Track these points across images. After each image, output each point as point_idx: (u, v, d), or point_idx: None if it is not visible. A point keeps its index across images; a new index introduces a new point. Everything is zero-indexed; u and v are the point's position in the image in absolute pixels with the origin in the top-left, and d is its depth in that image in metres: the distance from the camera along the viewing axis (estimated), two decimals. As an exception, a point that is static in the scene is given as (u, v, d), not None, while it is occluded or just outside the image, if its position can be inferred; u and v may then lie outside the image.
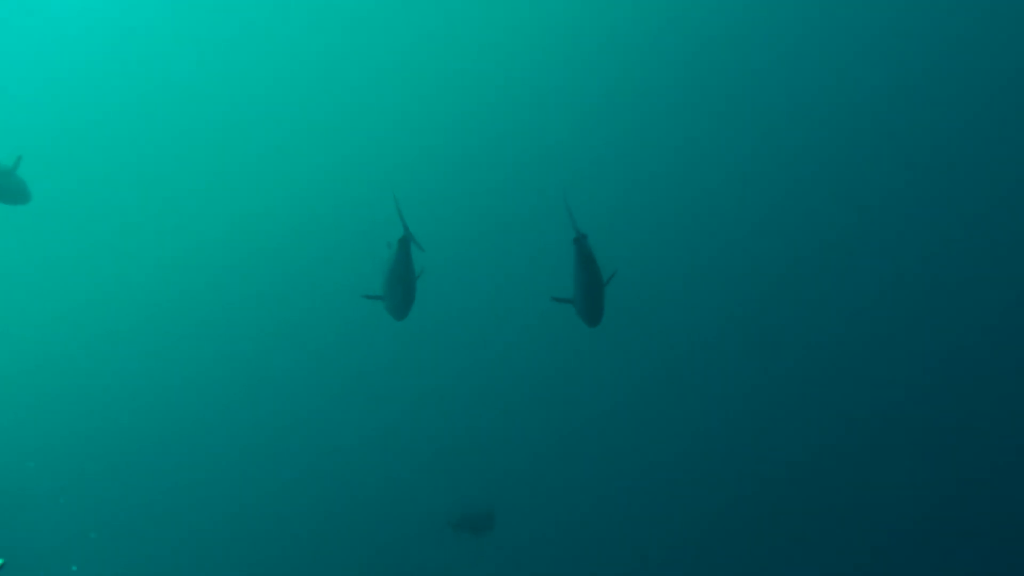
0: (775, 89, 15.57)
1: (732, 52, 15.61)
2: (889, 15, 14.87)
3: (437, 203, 15.91)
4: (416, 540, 13.68)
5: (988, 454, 12.89)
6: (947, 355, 14.03)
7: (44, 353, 16.29)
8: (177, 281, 16.52)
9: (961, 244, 14.72)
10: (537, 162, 16.03)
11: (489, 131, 16.37)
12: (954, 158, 15.07)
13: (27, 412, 15.79)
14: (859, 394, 13.96)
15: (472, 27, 16.05)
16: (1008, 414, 13.25)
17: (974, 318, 14.16)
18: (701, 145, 15.78)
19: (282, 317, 15.99)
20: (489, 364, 15.04)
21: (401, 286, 6.49)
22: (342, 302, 14.62)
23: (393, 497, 14.27)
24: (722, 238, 15.55)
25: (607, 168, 15.99)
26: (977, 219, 14.70)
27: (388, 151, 16.46)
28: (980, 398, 13.46)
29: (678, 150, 15.89)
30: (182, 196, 16.53)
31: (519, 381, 14.76)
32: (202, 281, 16.50)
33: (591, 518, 13.80)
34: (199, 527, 14.32)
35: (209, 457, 15.08)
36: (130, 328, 16.37)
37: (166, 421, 15.59)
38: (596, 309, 6.32)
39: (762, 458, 13.74)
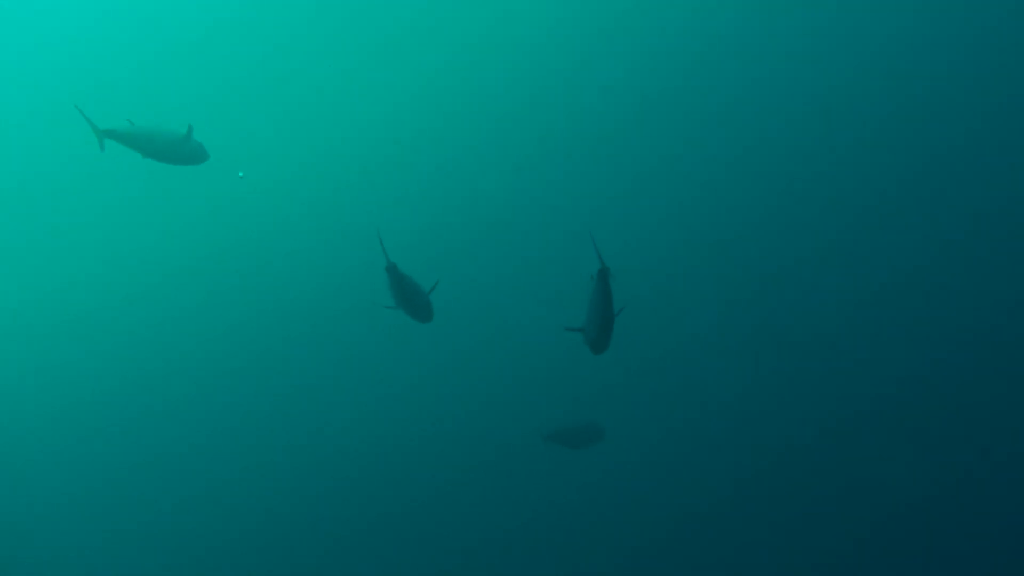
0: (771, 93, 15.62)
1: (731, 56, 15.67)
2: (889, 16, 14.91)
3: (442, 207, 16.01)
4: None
5: (989, 453, 12.93)
6: (947, 355, 14.05)
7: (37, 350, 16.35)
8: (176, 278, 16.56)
9: (962, 244, 14.75)
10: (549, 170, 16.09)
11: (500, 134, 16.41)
12: (956, 158, 15.10)
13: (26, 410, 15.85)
14: (857, 394, 14.01)
15: (489, 28, 16.05)
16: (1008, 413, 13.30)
17: (975, 319, 14.19)
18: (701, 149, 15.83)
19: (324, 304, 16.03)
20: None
21: (407, 304, 7.33)
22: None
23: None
24: (720, 240, 15.59)
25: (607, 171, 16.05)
26: (977, 219, 14.73)
27: (393, 152, 16.47)
28: (980, 397, 13.48)
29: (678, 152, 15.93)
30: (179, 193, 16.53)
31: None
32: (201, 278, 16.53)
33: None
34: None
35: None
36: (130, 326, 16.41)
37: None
38: (605, 340, 6.62)
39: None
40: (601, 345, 6.59)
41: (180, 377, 15.93)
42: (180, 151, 7.90)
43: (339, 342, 15.70)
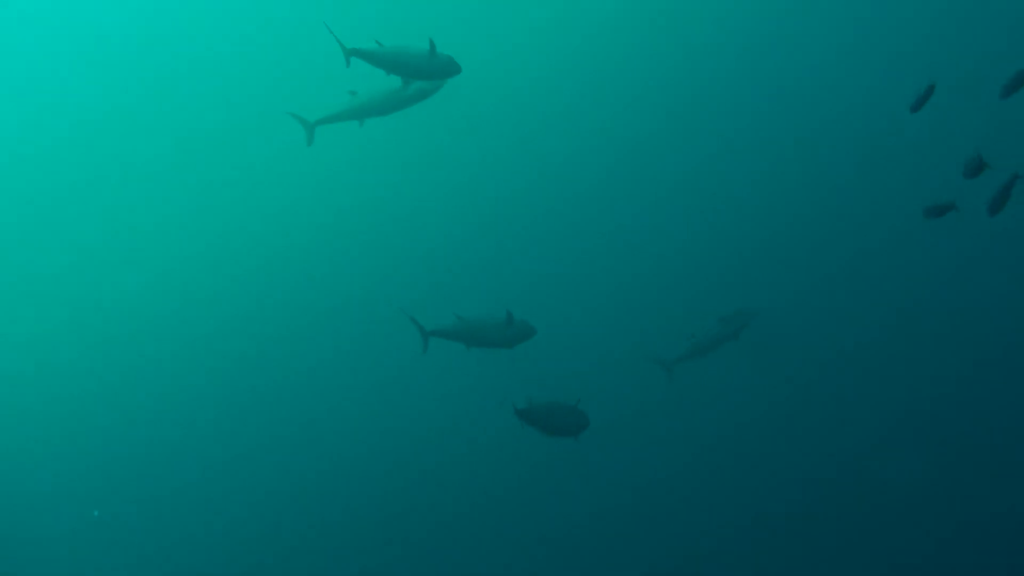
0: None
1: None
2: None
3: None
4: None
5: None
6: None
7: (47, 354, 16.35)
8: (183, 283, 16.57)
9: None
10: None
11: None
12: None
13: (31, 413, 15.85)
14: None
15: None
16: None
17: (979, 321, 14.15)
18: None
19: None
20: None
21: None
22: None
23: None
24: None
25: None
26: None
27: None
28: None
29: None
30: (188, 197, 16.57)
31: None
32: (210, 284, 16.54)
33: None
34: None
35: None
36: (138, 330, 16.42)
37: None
38: (581, 427, 7.81)
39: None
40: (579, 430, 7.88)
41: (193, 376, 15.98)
42: (430, 65, 7.91)
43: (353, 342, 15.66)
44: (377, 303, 15.36)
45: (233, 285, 16.50)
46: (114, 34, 16.56)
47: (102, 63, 16.56)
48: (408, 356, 14.52)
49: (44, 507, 15.29)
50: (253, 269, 16.54)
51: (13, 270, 16.57)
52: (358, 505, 14.73)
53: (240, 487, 15.21)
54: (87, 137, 16.68)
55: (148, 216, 16.72)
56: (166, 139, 16.53)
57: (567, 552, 13.54)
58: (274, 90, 15.47)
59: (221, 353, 16.11)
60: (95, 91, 16.64)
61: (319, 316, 16.02)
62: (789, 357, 14.08)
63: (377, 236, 16.54)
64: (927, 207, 8.43)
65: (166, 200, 16.73)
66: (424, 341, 8.06)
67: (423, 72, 7.99)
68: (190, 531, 14.94)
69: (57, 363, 16.33)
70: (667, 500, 13.63)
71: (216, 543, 14.73)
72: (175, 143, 16.52)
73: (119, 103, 16.58)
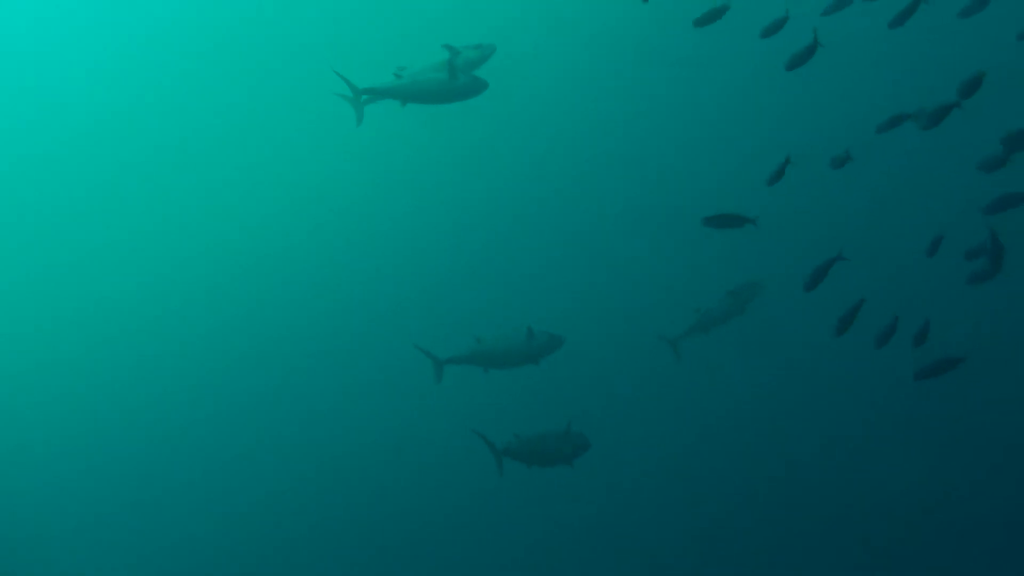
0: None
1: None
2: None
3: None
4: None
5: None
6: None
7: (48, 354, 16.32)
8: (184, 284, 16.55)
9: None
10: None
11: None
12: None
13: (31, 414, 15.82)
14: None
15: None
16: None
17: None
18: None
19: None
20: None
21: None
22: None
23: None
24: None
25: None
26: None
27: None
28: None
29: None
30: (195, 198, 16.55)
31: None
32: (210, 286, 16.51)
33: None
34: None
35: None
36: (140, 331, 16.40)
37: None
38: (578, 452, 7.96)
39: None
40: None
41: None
42: (454, 88, 7.82)
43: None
44: (376, 305, 15.37)
45: (236, 287, 16.49)
46: (115, 34, 16.52)
47: (103, 63, 16.51)
48: (411, 361, 14.64)
49: (44, 507, 15.27)
50: (255, 272, 16.53)
51: (13, 269, 16.54)
52: (358, 506, 14.74)
53: (240, 487, 15.21)
54: (86, 136, 16.63)
55: (150, 216, 16.70)
56: (168, 138, 16.50)
57: (569, 553, 13.57)
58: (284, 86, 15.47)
59: (224, 354, 16.11)
60: (94, 91, 16.59)
61: (319, 319, 16.02)
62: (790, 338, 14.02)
63: (370, 239, 16.51)
64: (706, 217, 7.71)
65: (168, 200, 16.70)
66: (438, 372, 7.64)
67: (446, 97, 7.90)
68: (189, 531, 14.92)
69: (57, 363, 16.30)
70: (670, 501, 13.67)
71: (215, 543, 14.73)
72: (178, 142, 16.48)
73: (119, 103, 16.54)
